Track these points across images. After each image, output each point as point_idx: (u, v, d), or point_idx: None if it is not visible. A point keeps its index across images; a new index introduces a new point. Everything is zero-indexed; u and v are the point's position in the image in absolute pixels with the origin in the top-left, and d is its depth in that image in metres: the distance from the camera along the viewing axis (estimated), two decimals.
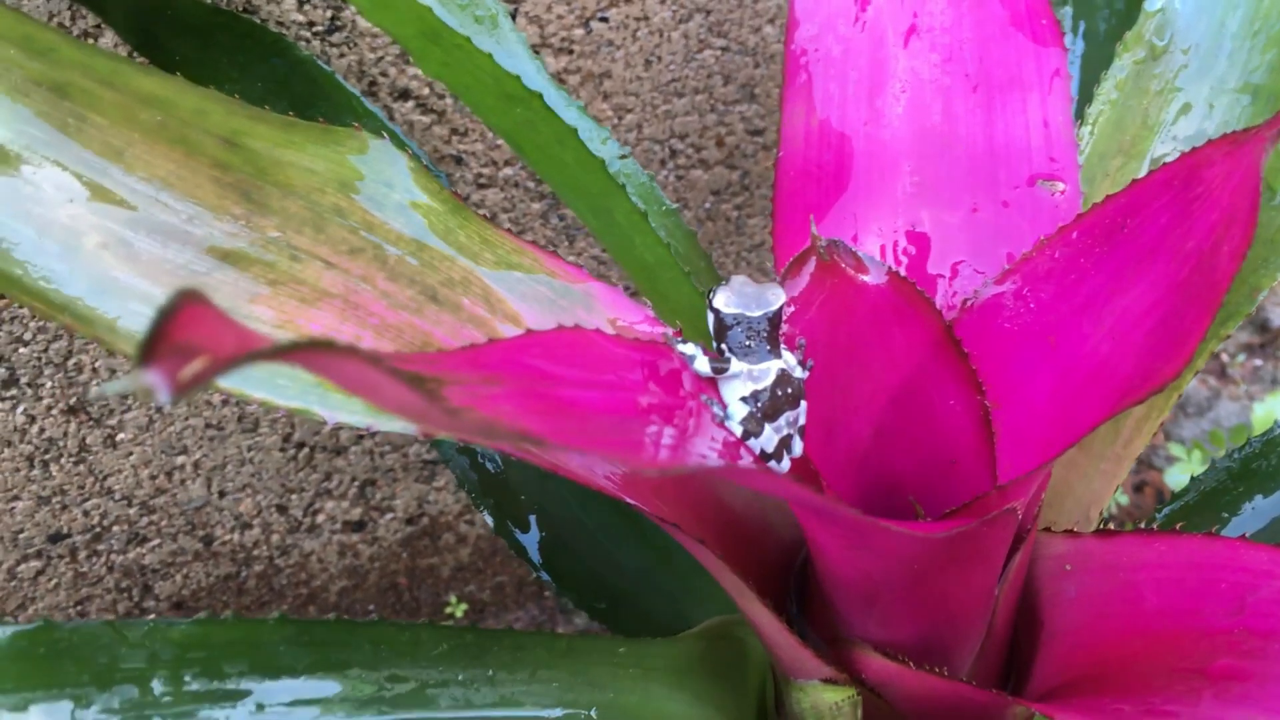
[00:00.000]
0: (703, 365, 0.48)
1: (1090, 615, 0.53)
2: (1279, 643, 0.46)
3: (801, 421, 0.49)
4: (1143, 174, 0.64)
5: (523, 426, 0.32)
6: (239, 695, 0.42)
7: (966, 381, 0.54)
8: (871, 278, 0.53)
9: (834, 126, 0.63)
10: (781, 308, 0.48)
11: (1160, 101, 0.64)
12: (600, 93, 0.81)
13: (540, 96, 0.54)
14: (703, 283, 0.60)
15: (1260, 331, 1.27)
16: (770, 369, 0.47)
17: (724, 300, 0.48)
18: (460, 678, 0.48)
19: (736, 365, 0.47)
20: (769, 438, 0.48)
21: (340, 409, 0.46)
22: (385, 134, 0.53)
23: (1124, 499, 1.13)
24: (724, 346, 0.48)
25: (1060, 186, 0.58)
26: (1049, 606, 0.57)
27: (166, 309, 0.26)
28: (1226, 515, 0.61)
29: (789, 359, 0.48)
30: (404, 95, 0.74)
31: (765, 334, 0.47)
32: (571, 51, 0.78)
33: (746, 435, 0.47)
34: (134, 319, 0.46)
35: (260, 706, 0.42)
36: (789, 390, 0.48)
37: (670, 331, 0.51)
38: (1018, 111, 0.61)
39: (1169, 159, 0.63)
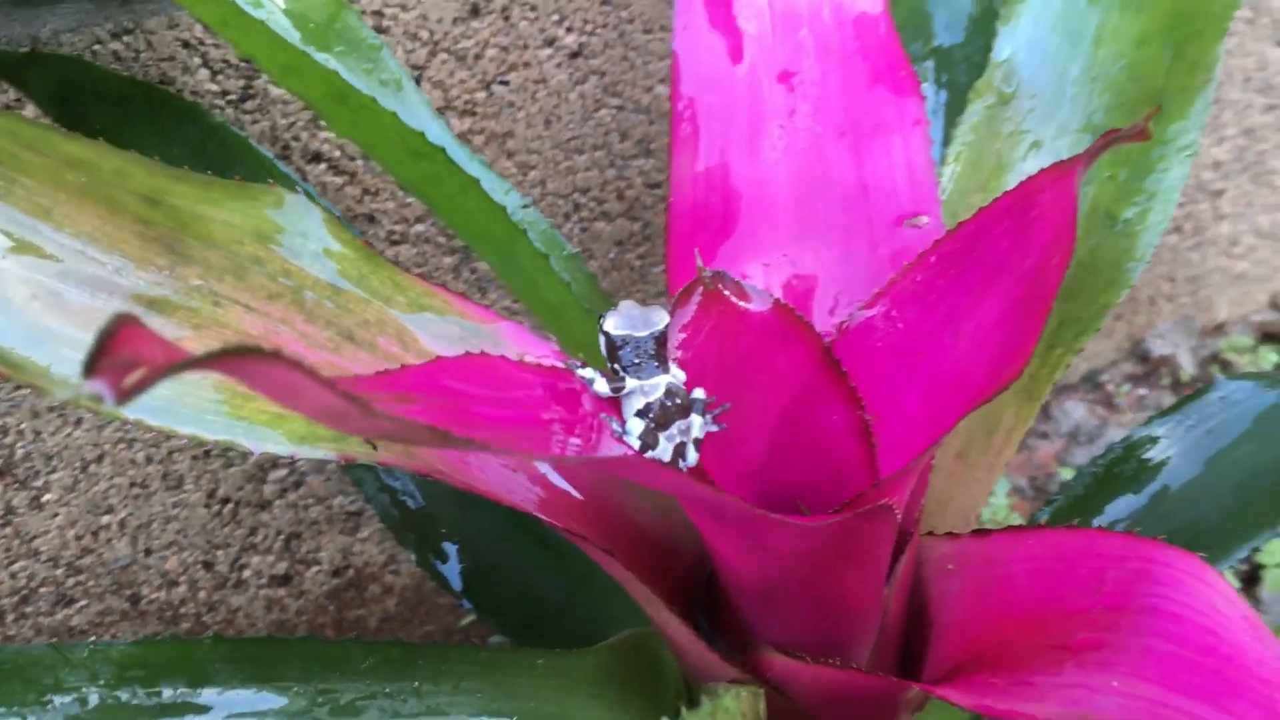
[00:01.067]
0: (601, 386, 0.52)
1: (972, 606, 0.57)
2: (1130, 616, 0.51)
3: (695, 433, 0.54)
4: None
5: (436, 424, 0.36)
6: (180, 709, 0.44)
7: (846, 397, 0.59)
8: (755, 305, 0.58)
9: (717, 173, 0.68)
10: (666, 328, 0.52)
11: (1011, 142, 0.71)
12: (504, 151, 0.86)
13: (443, 150, 0.59)
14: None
15: (1142, 362, 1.35)
16: (659, 383, 0.52)
17: (613, 324, 0.52)
18: (388, 690, 0.51)
19: (630, 383, 0.52)
20: (664, 448, 0.52)
21: (265, 440, 0.50)
22: (300, 191, 0.57)
23: (1020, 520, 1.19)
24: (616, 366, 0.52)
25: (924, 220, 0.64)
26: (936, 603, 0.61)
27: (107, 330, 0.29)
28: (1092, 514, 0.67)
29: (676, 373, 0.53)
30: (316, 158, 0.79)
31: (652, 352, 0.52)
32: (475, 113, 0.83)
33: (645, 448, 0.52)
34: (66, 365, 0.49)
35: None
36: (677, 401, 0.52)
37: (573, 360, 0.56)
38: (884, 155, 0.67)
39: None
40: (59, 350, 0.49)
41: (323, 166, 0.79)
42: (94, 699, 0.43)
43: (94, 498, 0.83)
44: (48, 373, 0.49)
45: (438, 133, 0.61)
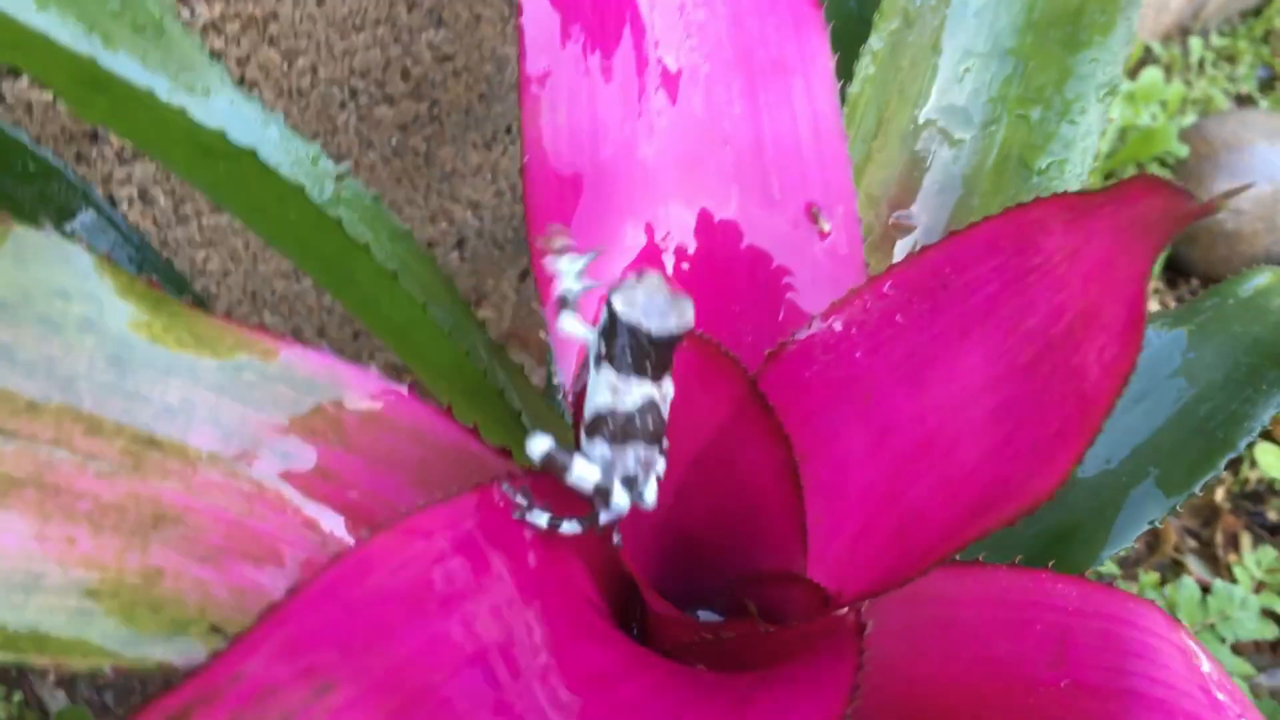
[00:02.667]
0: (539, 520, 0.41)
1: (908, 666, 0.51)
2: (1106, 703, 0.46)
3: (657, 470, 0.44)
4: (898, 152, 0.60)
5: None
6: None
7: (774, 442, 0.49)
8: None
9: (582, 124, 0.54)
10: (686, 333, 0.40)
11: (914, 74, 0.60)
12: (265, 38, 0.67)
13: (253, 154, 0.42)
14: (464, 338, 0.52)
15: None
16: (644, 394, 0.41)
17: (624, 303, 0.40)
18: None
19: (605, 379, 0.40)
20: (588, 475, 0.42)
21: None
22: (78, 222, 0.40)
23: None
24: (602, 352, 0.41)
25: (826, 226, 0.53)
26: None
27: None
28: None
29: (667, 389, 0.42)
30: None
31: (654, 356, 0.40)
32: None
33: (597, 489, 0.42)
34: None
35: None
36: (649, 424, 0.41)
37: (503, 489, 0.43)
38: (783, 103, 0.55)
39: (926, 133, 0.60)
40: None
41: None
42: None
43: None
44: None
45: (243, 125, 0.44)
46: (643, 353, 0.40)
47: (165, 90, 0.41)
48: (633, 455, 0.43)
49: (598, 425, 0.41)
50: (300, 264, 0.51)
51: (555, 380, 0.67)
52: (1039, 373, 0.41)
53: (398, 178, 0.82)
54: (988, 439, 0.43)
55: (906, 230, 0.59)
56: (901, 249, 0.59)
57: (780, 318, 0.53)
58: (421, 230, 0.88)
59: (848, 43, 0.58)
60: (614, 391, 0.40)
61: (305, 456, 0.45)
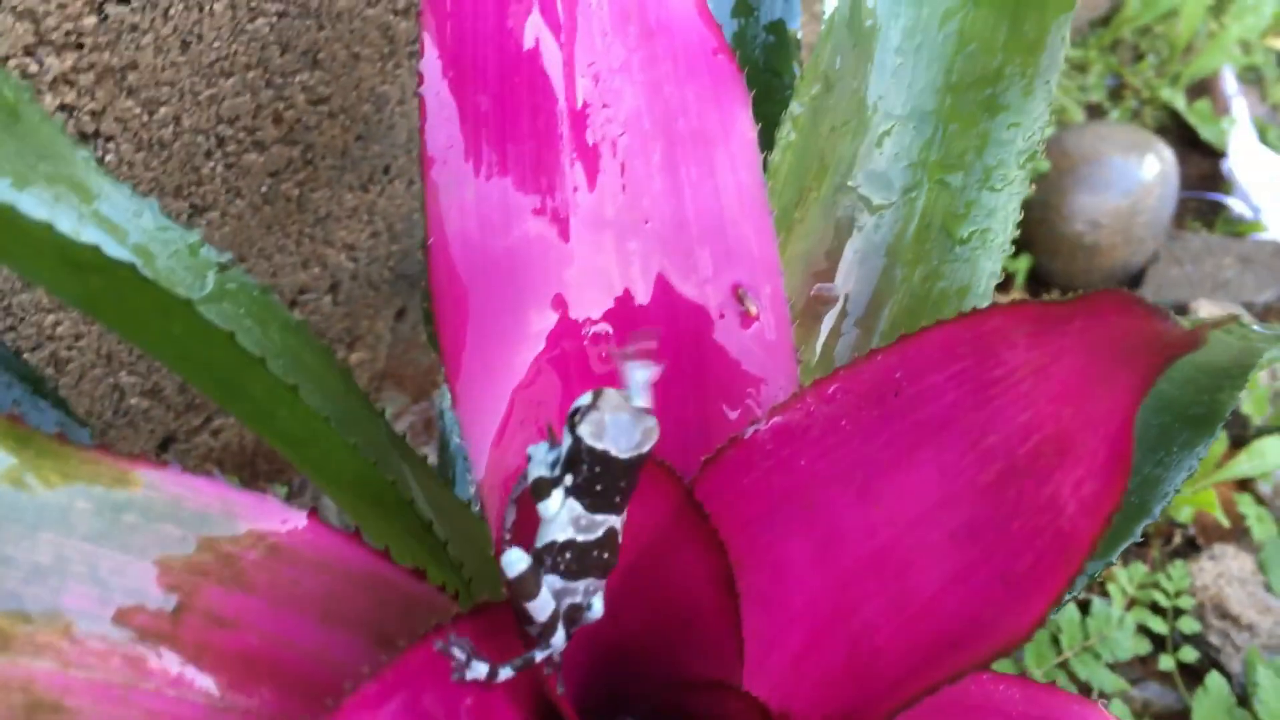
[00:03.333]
0: (479, 672, 0.37)
1: None
2: None
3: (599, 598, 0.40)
4: (820, 221, 0.58)
5: None
6: None
7: (709, 550, 0.46)
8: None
9: (492, 201, 0.50)
10: (651, 451, 0.37)
11: (833, 139, 0.58)
12: (123, 89, 0.60)
13: (132, 268, 0.37)
14: (370, 448, 0.47)
15: None
16: (604, 524, 0.38)
17: (592, 431, 0.36)
18: None
19: (563, 509, 0.37)
20: (545, 604, 0.39)
21: None
22: None
23: None
24: (564, 484, 0.37)
25: (753, 309, 0.50)
26: None
27: None
28: None
29: (620, 519, 0.38)
30: None
31: (625, 485, 0.37)
32: (81, 46, 0.57)
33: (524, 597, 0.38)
34: None
35: None
36: (606, 555, 0.39)
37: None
38: (707, 176, 0.52)
39: (847, 200, 0.57)
40: None
41: None
42: None
43: None
44: None
45: (113, 210, 0.39)
46: (614, 482, 0.37)
47: (27, 202, 0.35)
48: (584, 585, 0.40)
49: (552, 558, 0.38)
50: (186, 377, 0.45)
51: (467, 482, 0.63)
52: (1004, 497, 0.39)
53: (268, 225, 0.76)
54: (947, 563, 0.40)
55: (829, 303, 0.57)
56: (826, 324, 0.56)
57: (708, 412, 0.50)
58: (293, 276, 0.82)
59: (758, 99, 0.54)
60: (578, 526, 0.37)
61: (198, 605, 0.39)
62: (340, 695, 0.34)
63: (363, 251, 0.87)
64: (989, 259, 0.56)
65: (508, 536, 0.39)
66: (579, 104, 0.50)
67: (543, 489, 0.37)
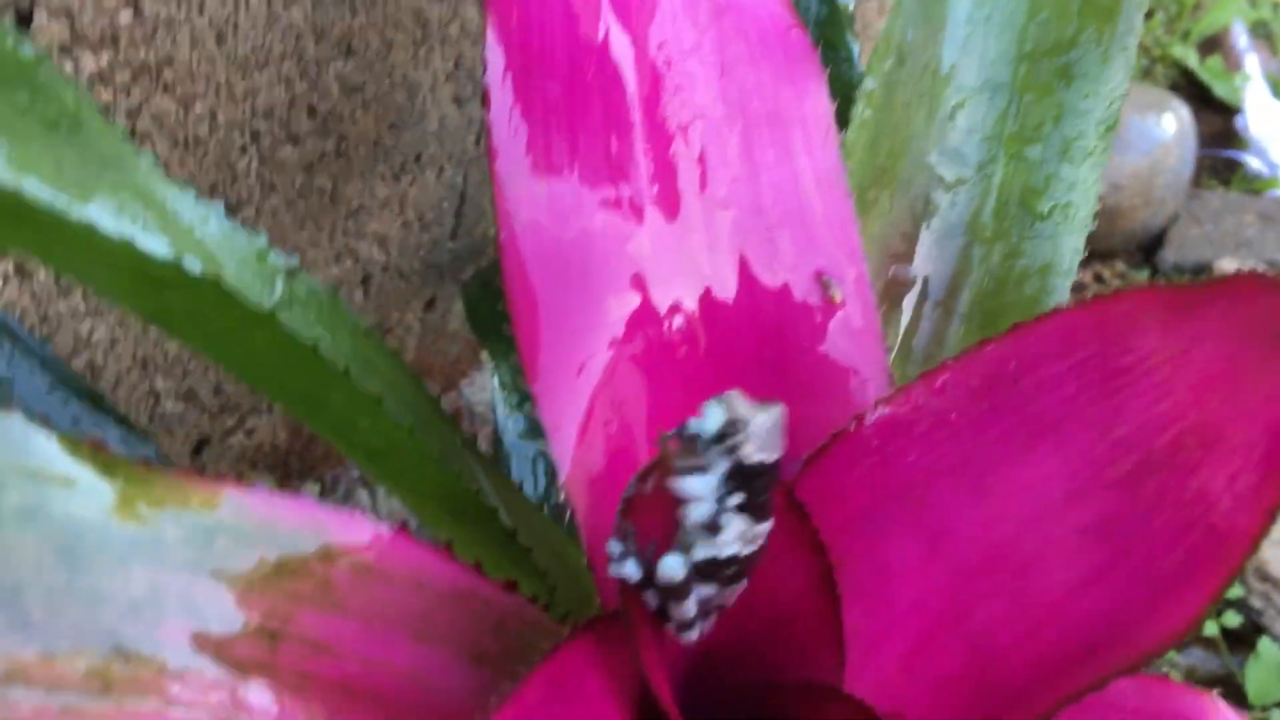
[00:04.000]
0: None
1: None
2: None
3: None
4: (895, 201, 0.56)
5: None
6: None
7: (810, 553, 0.44)
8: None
9: (566, 197, 0.48)
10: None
11: (907, 115, 0.55)
12: (160, 85, 0.58)
13: (215, 283, 0.35)
14: (453, 457, 0.45)
15: None
16: (765, 532, 0.36)
17: (758, 446, 0.34)
18: None
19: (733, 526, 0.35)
20: (691, 608, 0.37)
21: None
22: None
23: None
24: (729, 501, 0.35)
25: (838, 295, 0.48)
26: None
27: None
28: None
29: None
30: None
31: (774, 487, 0.36)
32: (116, 42, 0.54)
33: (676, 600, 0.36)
34: None
35: None
36: (758, 559, 0.37)
37: None
38: (784, 159, 0.49)
39: (922, 178, 0.55)
40: None
41: None
42: None
43: None
44: None
45: (179, 218, 0.37)
46: (769, 488, 0.35)
47: (99, 216, 0.33)
48: (734, 590, 0.38)
49: (711, 572, 0.36)
50: (266, 392, 0.43)
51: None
52: (1140, 492, 0.37)
53: (301, 221, 0.74)
54: (1078, 562, 0.38)
55: (906, 285, 0.55)
56: (906, 308, 0.54)
57: (797, 407, 0.48)
58: (326, 271, 0.79)
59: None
60: (745, 540, 0.35)
61: (294, 631, 0.37)
62: None
63: (394, 243, 0.84)
64: (1072, 235, 0.54)
65: (625, 542, 0.37)
66: (650, 90, 0.48)
67: (711, 520, 0.35)
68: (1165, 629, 0.35)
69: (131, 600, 0.34)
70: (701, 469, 0.34)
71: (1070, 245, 0.54)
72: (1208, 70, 1.75)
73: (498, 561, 0.46)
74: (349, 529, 0.40)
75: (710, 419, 0.33)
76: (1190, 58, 1.75)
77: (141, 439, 0.48)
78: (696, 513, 0.35)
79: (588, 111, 0.47)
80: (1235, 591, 1.09)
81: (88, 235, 0.32)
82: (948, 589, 0.43)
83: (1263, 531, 0.32)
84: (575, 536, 0.53)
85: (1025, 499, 0.40)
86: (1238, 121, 1.73)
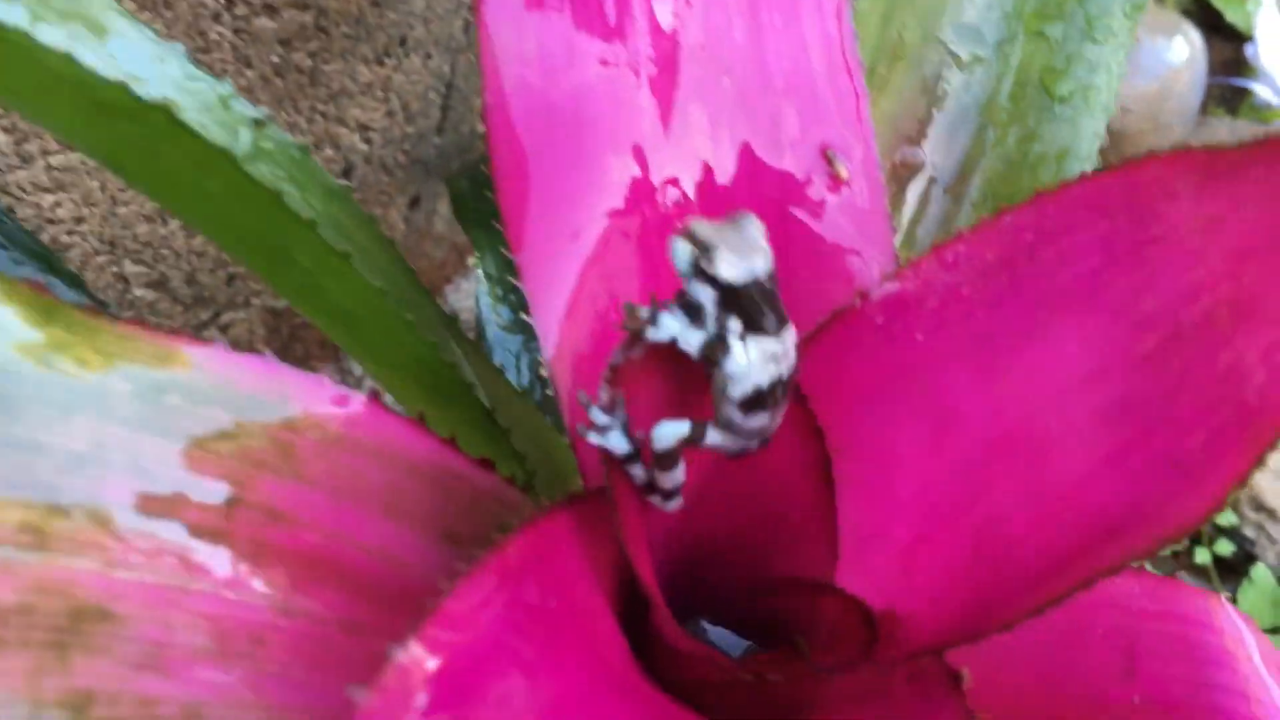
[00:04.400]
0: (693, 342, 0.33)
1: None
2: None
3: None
4: (907, 78, 0.52)
5: None
6: None
7: (807, 437, 0.41)
8: None
9: (559, 53, 0.44)
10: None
11: None
12: None
13: (166, 110, 0.31)
14: (428, 328, 0.42)
15: None
16: (790, 339, 0.34)
17: (730, 264, 0.32)
18: None
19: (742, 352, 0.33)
20: (679, 476, 0.36)
21: None
22: None
23: None
24: (730, 327, 0.33)
25: (844, 172, 0.45)
26: None
27: None
28: None
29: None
30: None
31: (774, 293, 0.33)
32: None
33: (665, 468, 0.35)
34: None
35: None
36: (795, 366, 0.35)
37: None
38: (792, 23, 0.46)
39: (936, 55, 0.52)
40: None
41: None
42: None
43: None
44: None
45: (154, 74, 0.33)
46: (771, 300, 0.33)
47: (43, 28, 0.29)
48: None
49: (757, 402, 0.34)
50: (223, 244, 0.40)
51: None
52: (1166, 369, 0.34)
53: (279, 100, 0.70)
54: (1098, 444, 0.36)
55: (915, 168, 0.51)
56: (913, 192, 0.51)
57: (797, 288, 0.45)
58: None
59: None
60: (774, 359, 0.33)
61: (252, 498, 0.35)
62: (427, 597, 0.30)
63: (377, 132, 0.81)
64: (1092, 119, 0.51)
65: (612, 413, 0.35)
66: None
67: (715, 350, 0.33)
68: (1189, 512, 0.32)
69: (71, 454, 0.31)
70: (684, 305, 0.32)
71: (1090, 129, 0.51)
72: None
73: (474, 442, 0.43)
74: (314, 394, 0.37)
75: (679, 254, 0.32)
76: None
77: (102, 308, 0.45)
78: (691, 347, 0.33)
79: None
80: (1229, 519, 1.07)
81: (26, 47, 0.29)
82: (954, 477, 0.40)
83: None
84: (559, 425, 0.50)
85: (1041, 380, 0.38)
86: (1247, 49, 1.68)
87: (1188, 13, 1.75)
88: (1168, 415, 0.34)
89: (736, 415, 0.34)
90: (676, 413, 0.35)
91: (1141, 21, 1.74)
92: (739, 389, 0.33)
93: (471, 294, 1.05)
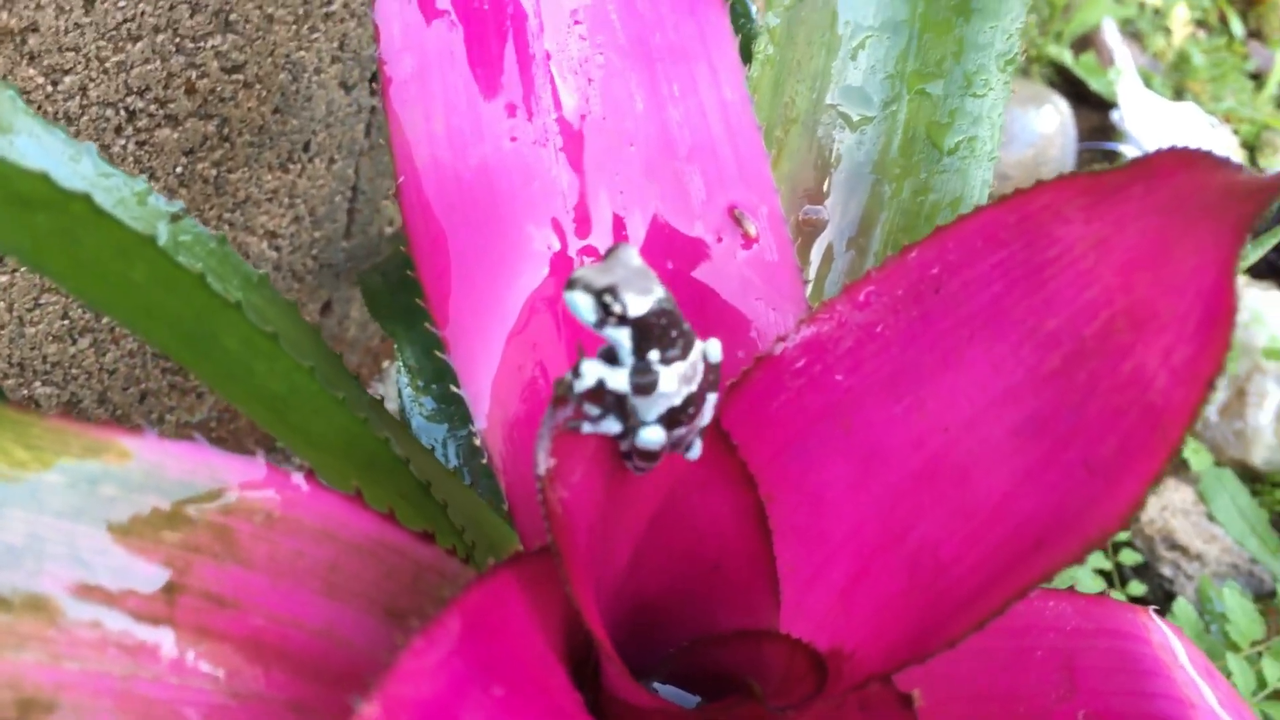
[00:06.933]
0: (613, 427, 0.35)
1: None
2: None
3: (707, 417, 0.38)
4: (802, 142, 0.55)
5: None
6: None
7: (738, 486, 0.42)
8: None
9: (467, 132, 0.45)
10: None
11: (810, 51, 0.55)
12: (24, 55, 0.55)
13: (86, 199, 0.32)
14: (357, 405, 0.42)
15: None
16: (699, 358, 0.36)
17: (636, 300, 0.33)
18: None
19: (665, 375, 0.34)
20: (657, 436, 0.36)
21: None
22: None
23: None
24: (650, 356, 0.34)
25: (753, 229, 0.47)
26: None
27: None
28: None
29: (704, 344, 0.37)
30: None
31: (677, 312, 0.35)
32: None
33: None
34: None
35: None
36: (712, 377, 0.36)
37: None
38: (690, 93, 0.48)
39: (827, 116, 0.54)
40: None
41: None
42: None
43: None
44: None
45: (70, 165, 0.34)
46: (677, 321, 0.35)
47: None
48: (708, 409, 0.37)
49: (675, 419, 0.35)
50: (148, 335, 0.40)
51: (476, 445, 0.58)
52: (1073, 382, 0.36)
53: (187, 209, 0.70)
54: (1015, 460, 0.37)
55: (818, 226, 0.53)
56: (818, 248, 0.53)
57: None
58: None
59: None
60: (686, 379, 0.35)
61: (193, 584, 0.34)
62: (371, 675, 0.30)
63: (285, 239, 0.81)
64: (979, 168, 0.54)
65: (548, 460, 0.35)
66: (551, 22, 0.46)
67: (648, 377, 0.34)
68: (1110, 514, 0.33)
69: (9, 547, 0.31)
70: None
71: (979, 178, 0.54)
72: (1083, 67, 1.80)
73: (411, 517, 0.43)
74: (250, 477, 0.37)
75: (581, 307, 0.33)
76: (1065, 56, 1.80)
77: None
78: (621, 384, 0.34)
79: (487, 44, 0.45)
80: (1135, 558, 1.10)
81: None
82: (883, 511, 0.41)
83: (1202, 401, 0.32)
84: (492, 501, 0.50)
85: (957, 406, 0.39)
86: (1113, 115, 1.77)
87: (1053, 84, 1.84)
88: (1080, 425, 0.36)
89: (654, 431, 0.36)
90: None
91: (1011, 95, 1.81)
92: (654, 410, 0.35)
93: (390, 398, 1.05)
